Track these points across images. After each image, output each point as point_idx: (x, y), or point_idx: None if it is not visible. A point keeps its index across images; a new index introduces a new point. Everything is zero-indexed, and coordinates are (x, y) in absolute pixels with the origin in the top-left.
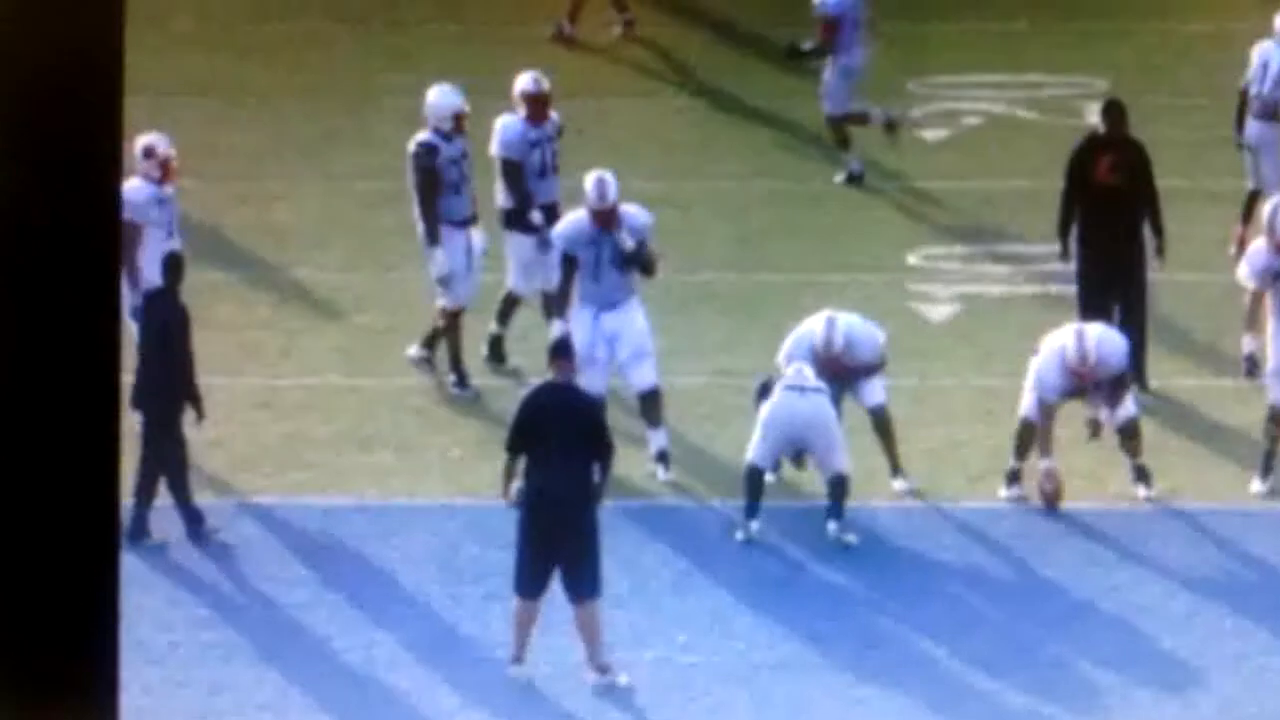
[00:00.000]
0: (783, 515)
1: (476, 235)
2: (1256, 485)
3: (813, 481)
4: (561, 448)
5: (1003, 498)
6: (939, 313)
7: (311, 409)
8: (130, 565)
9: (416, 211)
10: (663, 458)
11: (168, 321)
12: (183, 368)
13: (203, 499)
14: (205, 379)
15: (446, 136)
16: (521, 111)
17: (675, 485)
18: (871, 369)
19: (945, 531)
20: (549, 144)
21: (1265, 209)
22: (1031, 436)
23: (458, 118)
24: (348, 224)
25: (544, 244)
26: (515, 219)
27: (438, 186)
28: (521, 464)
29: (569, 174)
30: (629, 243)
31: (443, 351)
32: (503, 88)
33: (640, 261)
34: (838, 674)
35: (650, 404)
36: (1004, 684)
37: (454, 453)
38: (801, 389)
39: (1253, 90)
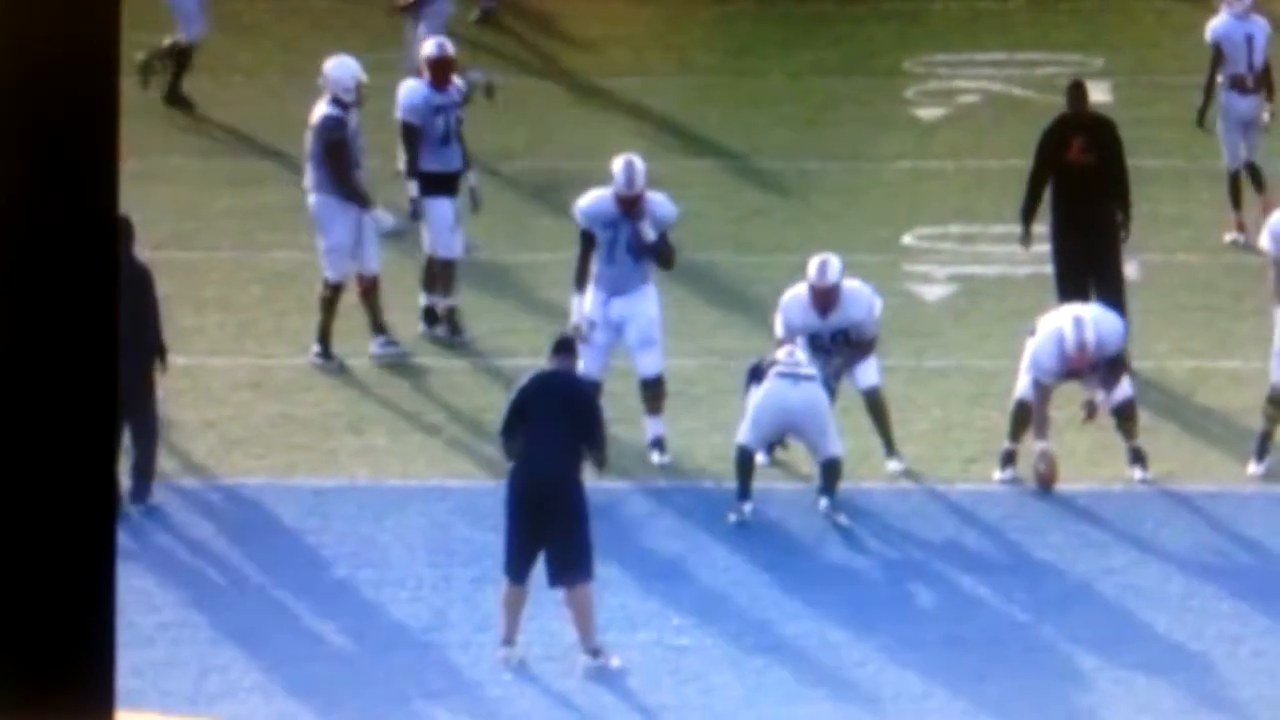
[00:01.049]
0: (777, 498)
1: (381, 213)
2: (1253, 467)
3: (807, 464)
4: (552, 433)
5: (997, 480)
6: (934, 293)
7: (303, 390)
8: (119, 546)
9: (309, 181)
10: (658, 443)
11: (129, 280)
12: (148, 324)
13: (194, 481)
14: (196, 359)
15: (345, 108)
16: (426, 76)
17: (669, 468)
18: (866, 333)
19: (940, 514)
20: (453, 110)
21: None
22: (1027, 418)
23: (359, 88)
24: None
25: (417, 214)
26: (435, 183)
27: (347, 159)
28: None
29: (576, 155)
30: (650, 235)
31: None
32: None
33: (658, 254)
34: (832, 657)
35: (652, 392)
36: (999, 667)
37: (445, 434)
38: (795, 377)
39: (1239, 68)
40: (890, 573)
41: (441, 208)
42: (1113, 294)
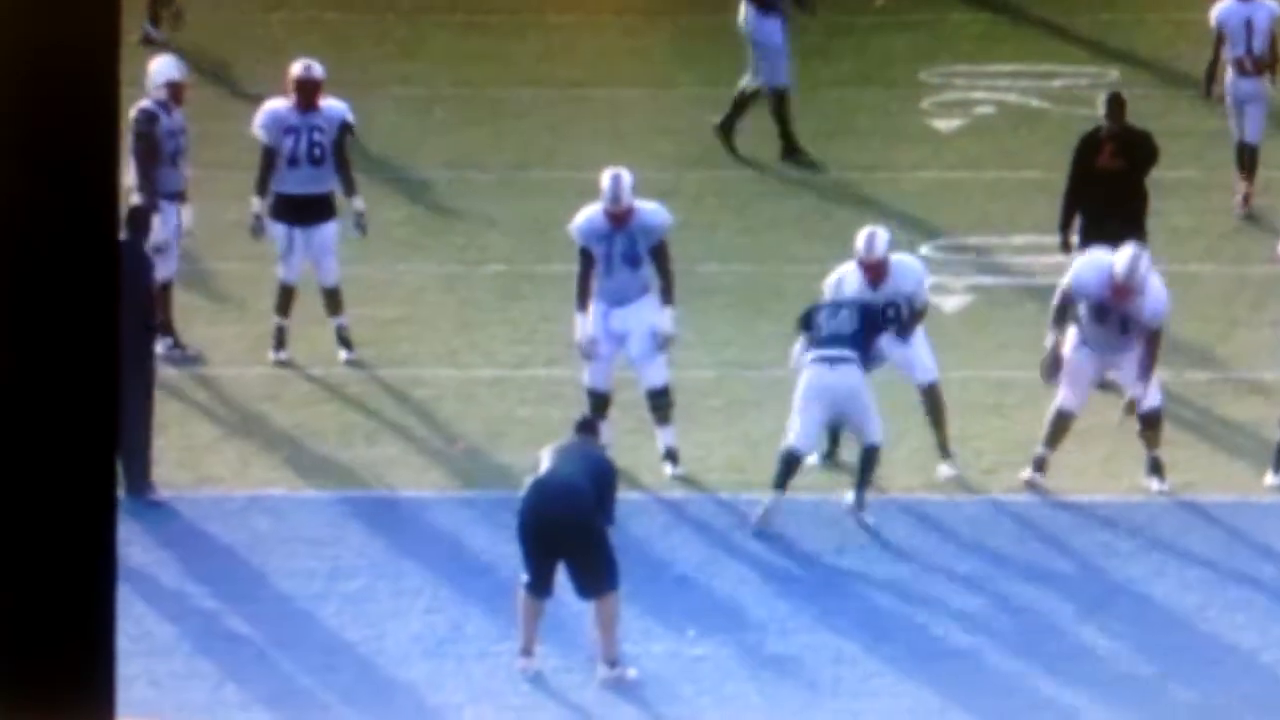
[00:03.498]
0: (793, 508)
1: (185, 212)
2: (1271, 478)
3: (822, 474)
4: (568, 465)
5: (1024, 479)
6: (952, 303)
7: (320, 401)
8: (137, 557)
9: (131, 180)
10: (671, 455)
11: (134, 271)
12: (147, 310)
13: (212, 492)
14: (214, 370)
15: (165, 107)
16: (291, 97)
17: (685, 479)
18: (918, 301)
19: (959, 523)
20: (311, 133)
21: None
22: (1065, 426)
23: (173, 87)
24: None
25: (257, 231)
26: (280, 206)
27: (156, 155)
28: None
29: (583, 167)
30: (668, 328)
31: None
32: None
33: (669, 291)
34: (849, 667)
35: (659, 402)
36: (1018, 677)
37: (461, 444)
38: (831, 361)
39: (1239, 51)
40: (907, 584)
41: (277, 233)
42: None
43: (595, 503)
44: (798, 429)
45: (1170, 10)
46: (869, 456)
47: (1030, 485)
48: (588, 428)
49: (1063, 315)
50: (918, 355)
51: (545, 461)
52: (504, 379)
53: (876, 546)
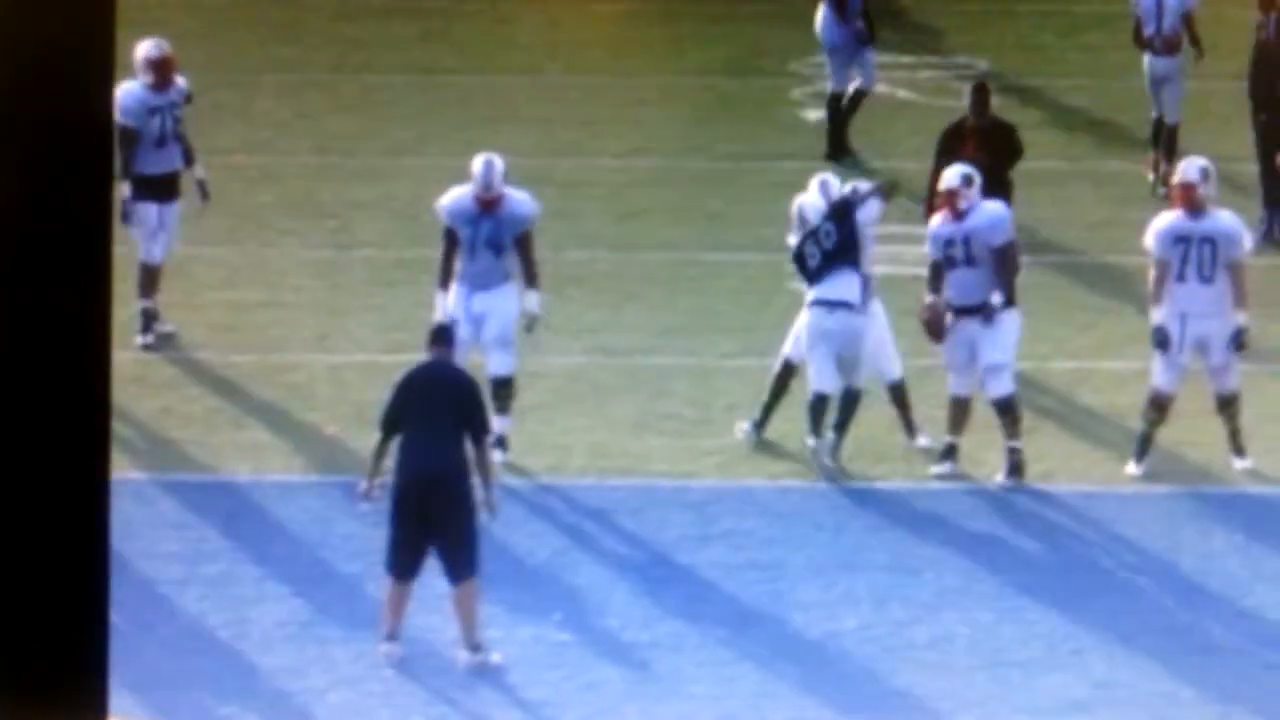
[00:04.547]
0: (659, 495)
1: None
2: (1133, 468)
3: (688, 460)
4: (435, 427)
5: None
6: None
7: (185, 384)
8: None
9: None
10: (500, 442)
11: None
12: None
13: None
14: None
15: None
16: (145, 78)
17: (511, 465)
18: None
19: (822, 511)
20: (170, 111)
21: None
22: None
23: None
24: (225, 198)
25: (127, 216)
26: (147, 187)
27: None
28: (395, 445)
29: (455, 153)
30: (535, 309)
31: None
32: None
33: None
34: (712, 652)
35: (501, 391)
36: (880, 665)
37: (328, 430)
38: (829, 306)
39: (1149, 30)
40: (770, 572)
41: (147, 213)
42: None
43: (468, 475)
44: (815, 371)
45: (1038, 1)
46: (895, 391)
47: (941, 476)
48: (442, 337)
49: (936, 276)
50: (887, 352)
51: (407, 409)
52: (374, 364)
53: (744, 533)
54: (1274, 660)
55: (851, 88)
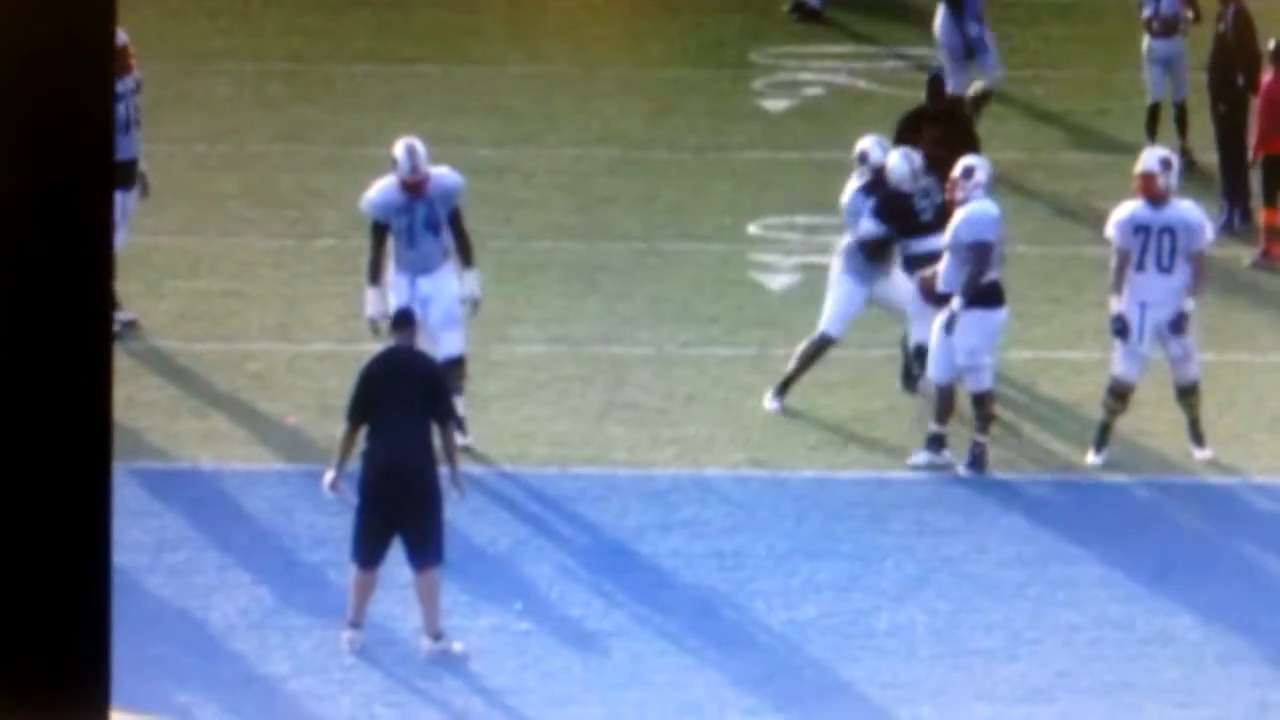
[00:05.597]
0: (623, 483)
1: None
2: (1092, 457)
3: (648, 448)
4: (402, 414)
5: (909, 463)
6: (780, 282)
7: (147, 373)
8: None
9: None
10: (459, 424)
11: None
12: None
13: None
14: None
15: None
16: None
17: (473, 454)
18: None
19: (781, 500)
20: (129, 98)
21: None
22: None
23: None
24: (186, 187)
25: None
26: None
27: None
28: (363, 433)
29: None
30: (475, 291)
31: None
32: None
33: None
34: (672, 641)
35: (454, 372)
36: (840, 654)
37: (290, 418)
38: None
39: (1147, 12)
40: (730, 561)
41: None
42: None
43: (435, 463)
44: (917, 323)
45: None
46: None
47: (916, 468)
48: (405, 321)
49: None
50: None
51: (373, 397)
52: (335, 353)
53: (702, 522)
54: (1232, 650)
55: (976, 88)
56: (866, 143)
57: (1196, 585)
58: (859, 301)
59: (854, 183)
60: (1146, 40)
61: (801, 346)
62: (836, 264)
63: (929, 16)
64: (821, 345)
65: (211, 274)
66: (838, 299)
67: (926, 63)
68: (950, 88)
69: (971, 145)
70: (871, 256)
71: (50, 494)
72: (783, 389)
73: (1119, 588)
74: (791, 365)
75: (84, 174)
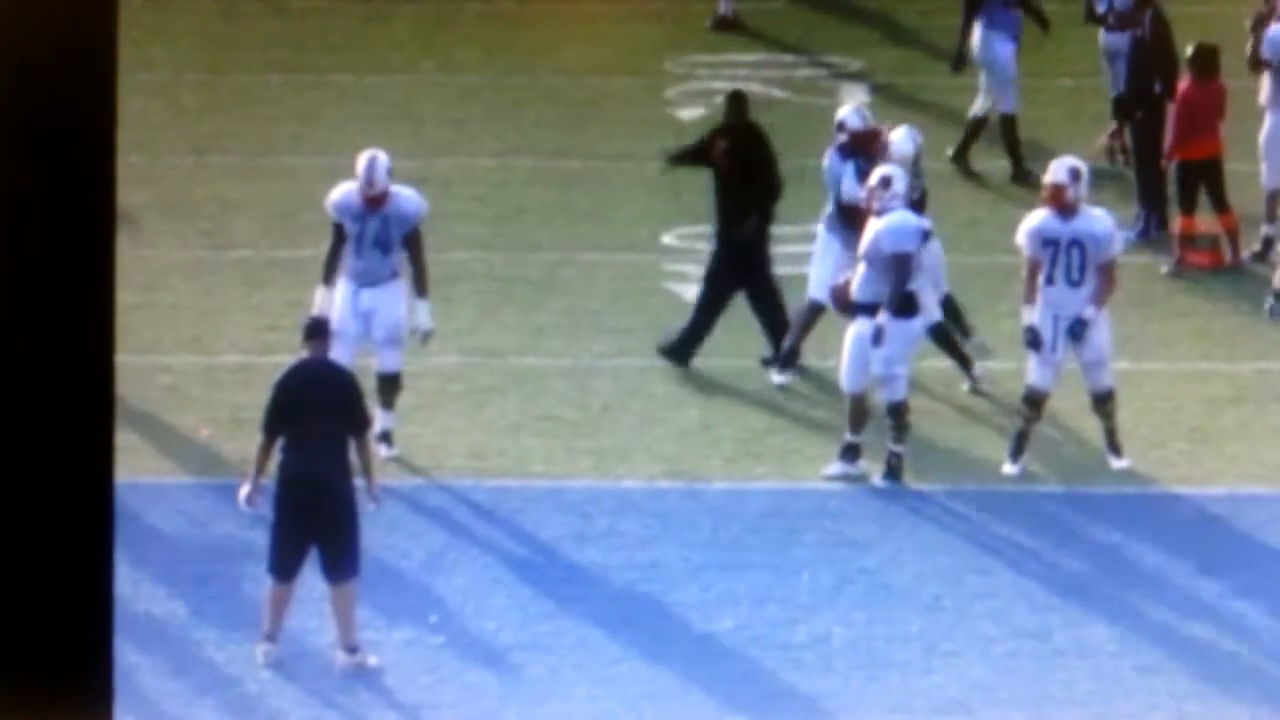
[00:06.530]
0: (535, 495)
1: None
2: (1008, 467)
3: (578, 460)
4: (317, 426)
5: (825, 474)
6: (694, 292)
7: None
8: None
9: None
10: (385, 437)
11: None
12: None
13: None
14: None
15: None
16: None
17: (399, 460)
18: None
19: (697, 512)
20: None
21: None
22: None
23: None
24: None
25: None
26: None
27: None
28: (278, 446)
29: (330, 152)
30: (426, 324)
31: None
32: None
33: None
34: (589, 654)
35: (388, 387)
36: (757, 665)
37: (203, 431)
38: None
39: (1101, 6)
40: (646, 572)
41: None
42: (766, 297)
43: (351, 475)
44: (928, 301)
45: (916, 0)
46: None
47: (831, 478)
48: (318, 331)
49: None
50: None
51: (287, 409)
52: (249, 365)
53: (618, 535)
54: (1150, 663)
55: (977, 107)
56: (844, 111)
57: (1114, 596)
58: (844, 265)
59: (831, 149)
60: (1102, 35)
61: (795, 318)
62: (821, 231)
63: (845, 25)
64: (813, 312)
65: (124, 286)
66: (823, 264)
67: (841, 70)
68: (1002, 109)
69: (763, 156)
70: (853, 222)
71: (51, 496)
72: (785, 362)
73: (1036, 599)
74: (790, 338)
75: (85, 175)
